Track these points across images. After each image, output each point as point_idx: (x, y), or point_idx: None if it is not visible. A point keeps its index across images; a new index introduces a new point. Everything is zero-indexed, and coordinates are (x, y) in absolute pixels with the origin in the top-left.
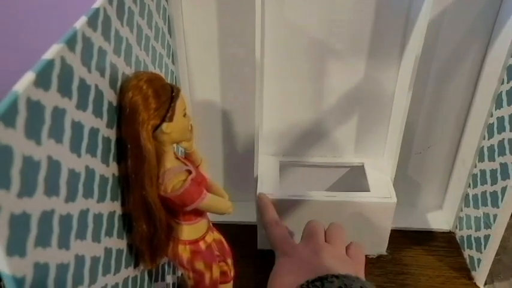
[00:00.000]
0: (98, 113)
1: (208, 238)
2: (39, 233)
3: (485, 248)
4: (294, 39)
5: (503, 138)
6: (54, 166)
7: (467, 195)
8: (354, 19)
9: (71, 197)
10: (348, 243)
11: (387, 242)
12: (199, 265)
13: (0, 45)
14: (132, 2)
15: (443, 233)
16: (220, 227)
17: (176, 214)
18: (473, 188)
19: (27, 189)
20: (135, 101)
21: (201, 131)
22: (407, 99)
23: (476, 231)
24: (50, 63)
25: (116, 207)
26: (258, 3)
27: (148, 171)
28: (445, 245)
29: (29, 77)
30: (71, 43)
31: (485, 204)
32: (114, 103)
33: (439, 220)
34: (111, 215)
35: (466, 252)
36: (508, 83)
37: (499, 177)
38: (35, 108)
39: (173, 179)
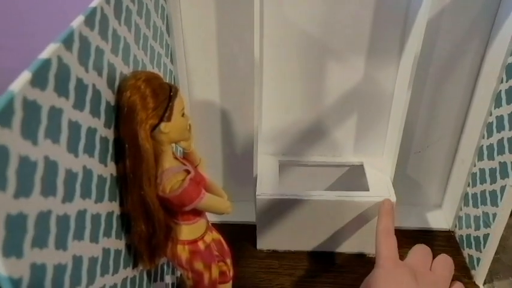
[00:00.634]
0: (95, 112)
1: (207, 238)
2: (36, 233)
3: (484, 247)
4: (292, 38)
5: (503, 137)
6: (51, 166)
7: (466, 194)
8: (353, 18)
9: (68, 198)
10: (451, 279)
11: None
12: (198, 265)
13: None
14: (130, 1)
15: (442, 232)
16: (219, 226)
17: (175, 214)
18: (472, 187)
19: (23, 190)
20: (133, 100)
21: (199, 131)
22: (407, 98)
23: (475, 230)
24: (47, 63)
25: (114, 207)
26: (257, 2)
27: (147, 171)
28: (444, 244)
29: (25, 76)
30: (67, 42)
31: (484, 203)
32: (112, 103)
33: (439, 219)
34: (109, 215)
35: (466, 252)
36: (507, 81)
37: (498, 176)
38: (31, 108)
39: (172, 179)
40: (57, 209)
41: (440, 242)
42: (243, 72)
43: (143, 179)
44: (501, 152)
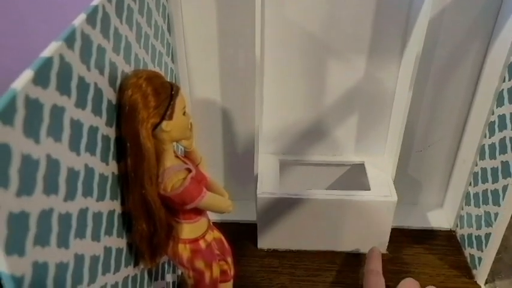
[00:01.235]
0: (97, 111)
1: (208, 237)
2: (38, 232)
3: (486, 247)
4: (293, 38)
5: (505, 136)
6: (53, 165)
7: (468, 193)
8: (354, 18)
9: (70, 196)
10: None
11: (388, 241)
12: (199, 264)
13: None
14: None
15: (444, 231)
16: (220, 225)
17: (176, 213)
18: (474, 187)
19: (25, 188)
20: (135, 99)
21: (200, 130)
22: (408, 98)
23: (477, 229)
24: (49, 61)
25: (116, 206)
26: (258, 2)
27: (148, 170)
28: (445, 244)
29: (28, 74)
30: (69, 41)
31: (486, 202)
32: (114, 101)
33: (440, 219)
34: (111, 213)
35: (467, 251)
36: (509, 80)
37: (500, 176)
38: (33, 106)
39: (173, 177)
40: (59, 207)
41: (442, 241)
42: (244, 72)
43: (144, 177)
44: (503, 151)
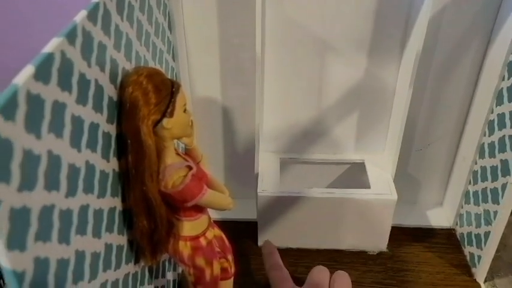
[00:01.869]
0: (98, 107)
1: (209, 234)
2: (39, 227)
3: (485, 245)
4: (294, 36)
5: (504, 135)
6: (54, 160)
7: (467, 192)
8: (355, 16)
9: (71, 192)
10: None
11: (388, 239)
12: (200, 261)
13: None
14: None
15: (443, 229)
16: (221, 224)
17: (177, 210)
18: (473, 185)
19: (27, 183)
20: (135, 96)
21: (201, 129)
22: (408, 96)
23: (476, 228)
24: (50, 57)
25: (117, 203)
26: (259, 0)
27: (149, 167)
28: (445, 242)
29: (29, 70)
30: (71, 37)
31: (485, 200)
32: (114, 98)
33: (440, 217)
34: (112, 210)
35: (467, 249)
36: (508, 79)
37: (500, 174)
38: (34, 102)
39: (174, 174)
40: (60, 203)
41: (441, 239)
42: (245, 70)
43: (145, 174)
44: (502, 149)
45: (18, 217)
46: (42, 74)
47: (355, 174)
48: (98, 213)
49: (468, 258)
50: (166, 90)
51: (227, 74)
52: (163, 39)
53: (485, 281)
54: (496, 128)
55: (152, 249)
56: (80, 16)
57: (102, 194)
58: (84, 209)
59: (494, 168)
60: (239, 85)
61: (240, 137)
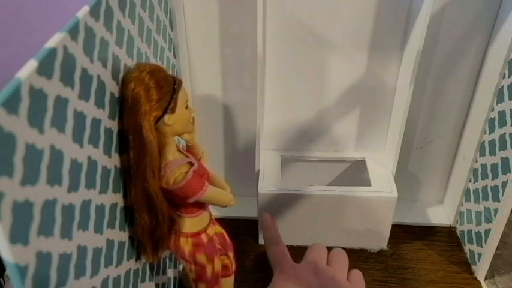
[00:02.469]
0: (100, 103)
1: (210, 231)
2: (41, 221)
3: (485, 243)
4: (295, 34)
5: (505, 133)
6: (56, 155)
7: (468, 189)
8: (355, 14)
9: (73, 187)
10: (347, 268)
11: (388, 237)
12: (201, 258)
13: (2, 41)
14: None
15: (444, 227)
16: (222, 221)
17: (178, 207)
18: (474, 183)
19: (30, 177)
20: (137, 92)
21: (202, 125)
22: (409, 94)
23: (477, 225)
24: (53, 52)
25: (118, 199)
26: None
27: (151, 163)
28: (445, 240)
29: (32, 64)
30: (73, 32)
31: (486, 198)
32: (116, 94)
33: (440, 215)
34: (113, 206)
35: (467, 247)
36: (509, 77)
37: (500, 172)
38: (37, 96)
39: (175, 171)
40: (62, 198)
41: (442, 237)
42: (246, 67)
43: (147, 170)
44: (503, 147)
45: (21, 211)
46: (45, 68)
47: (355, 172)
48: (100, 208)
49: (468, 256)
50: (168, 87)
51: (228, 71)
52: (164, 37)
53: (485, 279)
54: (497, 125)
55: (153, 246)
56: (82, 12)
57: (103, 190)
58: (86, 204)
59: (494, 166)
60: (240, 83)
61: (241, 135)
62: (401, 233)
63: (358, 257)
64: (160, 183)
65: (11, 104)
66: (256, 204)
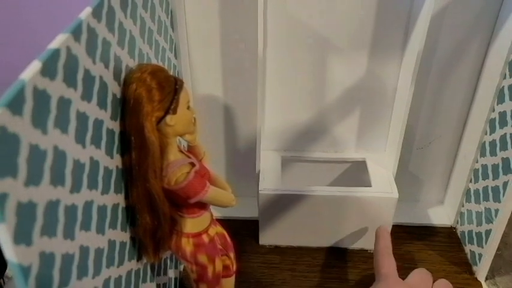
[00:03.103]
0: (102, 104)
1: (211, 231)
2: (45, 222)
3: (486, 243)
4: (296, 34)
5: (505, 133)
6: (59, 156)
7: (468, 190)
8: (356, 14)
9: (75, 188)
10: None
11: None
12: (203, 258)
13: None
14: None
15: (444, 228)
16: (223, 222)
17: (179, 207)
18: (474, 183)
19: (33, 178)
20: (139, 93)
21: (203, 126)
22: (409, 95)
23: (477, 226)
24: (56, 53)
25: (120, 199)
26: None
27: (152, 163)
28: (446, 240)
29: (36, 65)
30: (76, 33)
31: (486, 199)
32: (118, 95)
33: (441, 215)
34: (115, 207)
35: (467, 247)
36: (510, 77)
37: (501, 172)
38: (41, 97)
39: (177, 171)
40: (65, 198)
41: (442, 238)
42: (247, 68)
43: (149, 171)
44: (504, 147)
45: (25, 212)
46: (48, 69)
47: (356, 173)
48: (102, 209)
49: (469, 256)
50: (170, 87)
51: (229, 72)
52: (165, 37)
53: (486, 279)
54: (498, 126)
55: (155, 246)
56: (85, 13)
57: (105, 191)
58: (88, 205)
59: (495, 167)
60: (241, 83)
61: (242, 135)
62: (401, 233)
63: (358, 258)
64: (162, 183)
65: (15, 105)
66: (257, 205)
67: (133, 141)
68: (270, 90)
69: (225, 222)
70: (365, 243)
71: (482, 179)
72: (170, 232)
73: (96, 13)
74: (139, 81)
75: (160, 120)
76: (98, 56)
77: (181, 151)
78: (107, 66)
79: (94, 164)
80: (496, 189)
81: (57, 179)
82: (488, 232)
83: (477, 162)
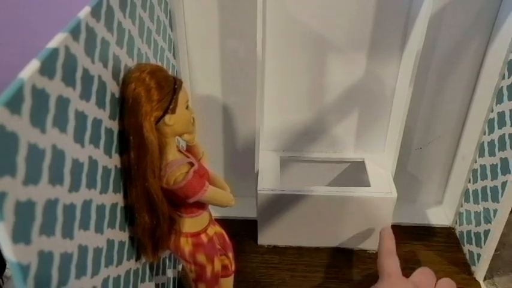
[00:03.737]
0: (101, 103)
1: (210, 231)
2: (43, 221)
3: (485, 243)
4: (295, 34)
5: (504, 133)
6: (58, 155)
7: (467, 190)
8: (355, 14)
9: (74, 187)
10: None
11: None
12: (201, 258)
13: (3, 42)
14: None
15: (443, 228)
16: (221, 222)
17: (178, 207)
18: (473, 183)
19: (32, 177)
20: (138, 92)
21: (201, 126)
22: (408, 95)
23: (476, 226)
24: (55, 52)
25: (118, 199)
26: None
27: (151, 163)
28: (445, 240)
29: (34, 64)
30: (75, 32)
31: (485, 199)
32: (117, 95)
33: (439, 215)
34: (114, 206)
35: (466, 248)
36: (508, 78)
37: (500, 172)
38: (40, 96)
39: (175, 171)
40: (64, 197)
41: (441, 238)
42: (245, 68)
43: (148, 170)
44: (502, 148)
45: (23, 210)
46: (47, 68)
47: (355, 173)
48: (101, 208)
49: (468, 256)
50: (169, 87)
51: (227, 72)
52: (164, 37)
53: (484, 279)
54: (496, 126)
55: (154, 246)
56: (84, 12)
57: (104, 190)
58: (87, 204)
59: (494, 167)
60: (239, 83)
61: (240, 135)
62: (400, 233)
63: (357, 258)
64: (160, 183)
65: (14, 104)
66: (256, 205)
67: (132, 141)
68: (269, 90)
69: (224, 222)
70: (364, 243)
71: (481, 179)
72: (169, 232)
73: (95, 13)
74: (138, 80)
75: (159, 119)
76: (97, 56)
77: (180, 151)
78: (105, 66)
79: (93, 163)
80: (494, 190)
81: (56, 178)
82: (486, 232)
83: (476, 162)
